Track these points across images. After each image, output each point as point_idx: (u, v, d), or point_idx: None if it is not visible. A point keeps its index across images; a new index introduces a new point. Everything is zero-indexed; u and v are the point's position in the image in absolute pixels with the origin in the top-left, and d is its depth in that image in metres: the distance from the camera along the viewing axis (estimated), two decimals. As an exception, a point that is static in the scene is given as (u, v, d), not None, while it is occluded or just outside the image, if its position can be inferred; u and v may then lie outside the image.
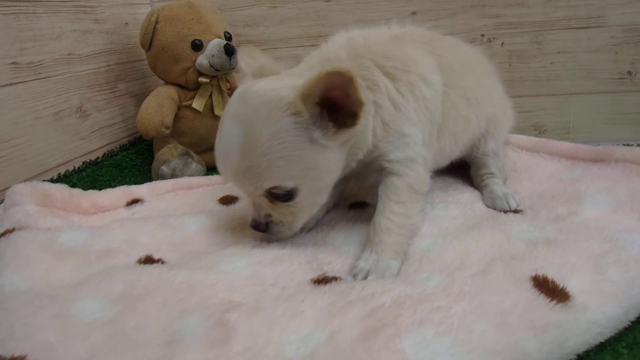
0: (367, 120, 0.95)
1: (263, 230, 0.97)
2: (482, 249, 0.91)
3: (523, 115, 1.78)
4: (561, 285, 0.76)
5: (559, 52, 1.84)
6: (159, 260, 0.95)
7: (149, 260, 0.95)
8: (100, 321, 0.76)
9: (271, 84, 0.91)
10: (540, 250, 0.88)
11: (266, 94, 0.88)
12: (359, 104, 0.83)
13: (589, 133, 1.86)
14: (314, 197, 0.95)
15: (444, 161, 1.21)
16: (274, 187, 0.89)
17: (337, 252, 0.98)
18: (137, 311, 0.78)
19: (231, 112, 0.91)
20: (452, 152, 1.17)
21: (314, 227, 1.11)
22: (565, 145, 1.38)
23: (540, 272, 0.79)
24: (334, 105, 0.85)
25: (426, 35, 1.15)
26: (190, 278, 0.85)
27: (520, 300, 0.74)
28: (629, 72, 1.80)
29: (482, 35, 1.88)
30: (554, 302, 0.73)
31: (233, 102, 0.93)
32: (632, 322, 0.79)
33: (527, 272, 0.81)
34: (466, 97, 1.12)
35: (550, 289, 0.75)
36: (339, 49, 1.01)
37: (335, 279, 0.86)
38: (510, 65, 1.88)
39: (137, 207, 1.25)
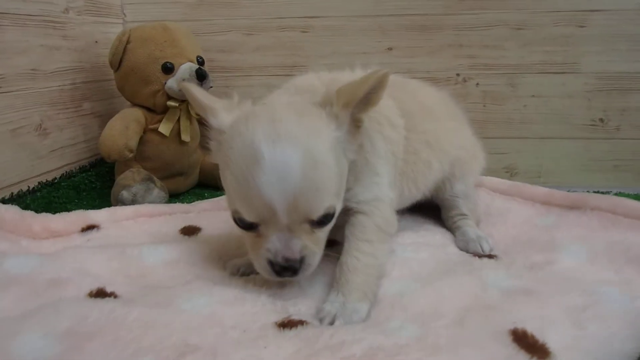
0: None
1: (295, 271, 0.83)
2: (456, 296, 0.86)
3: (495, 157, 1.78)
4: (541, 341, 0.72)
5: (533, 95, 1.85)
6: (112, 294, 0.88)
7: (101, 293, 0.88)
8: (41, 361, 0.69)
9: (291, 102, 0.91)
10: (517, 300, 0.84)
11: (302, 110, 0.86)
12: (375, 102, 0.87)
13: (560, 178, 1.86)
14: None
15: (404, 203, 1.19)
16: (329, 207, 0.83)
17: (303, 292, 0.92)
18: (84, 351, 0.71)
19: (271, 136, 0.79)
20: (413, 195, 1.17)
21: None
22: (540, 190, 1.37)
23: (520, 326, 0.75)
24: None
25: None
26: (145, 315, 0.78)
27: (499, 356, 0.69)
28: (601, 119, 1.82)
29: (458, 75, 1.87)
30: (535, 359, 0.68)
31: (263, 127, 0.81)
32: (613, 383, 0.74)
33: (505, 324, 0.76)
34: (427, 141, 1.12)
35: (530, 345, 0.70)
36: (311, 83, 1.01)
37: (301, 322, 0.80)
38: (484, 105, 1.88)
39: (92, 234, 1.18)
